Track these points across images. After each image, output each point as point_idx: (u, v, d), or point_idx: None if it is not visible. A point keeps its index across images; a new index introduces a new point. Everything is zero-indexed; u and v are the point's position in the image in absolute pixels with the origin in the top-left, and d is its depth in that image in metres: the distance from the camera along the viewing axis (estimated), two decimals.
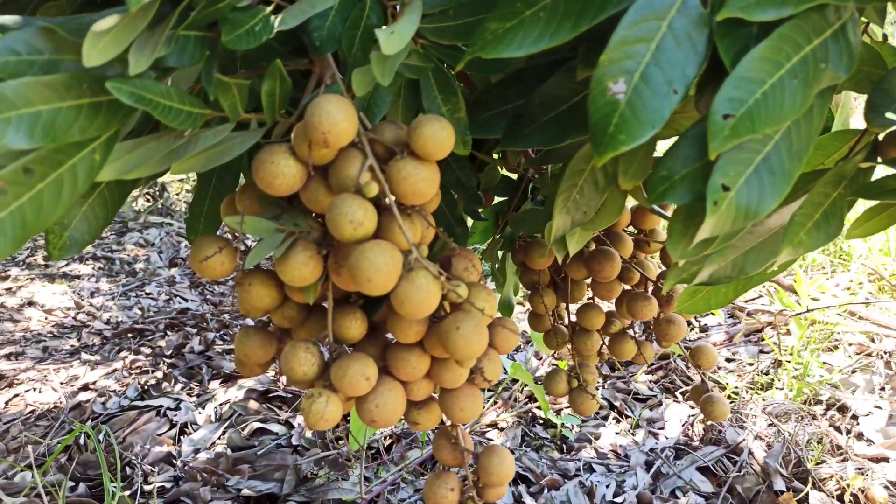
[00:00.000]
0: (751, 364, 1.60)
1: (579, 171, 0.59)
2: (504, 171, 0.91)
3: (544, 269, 0.83)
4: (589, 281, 0.83)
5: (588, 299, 0.83)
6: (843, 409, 1.37)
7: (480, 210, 0.97)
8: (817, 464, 1.18)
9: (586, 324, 0.78)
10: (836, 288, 1.85)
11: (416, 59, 0.56)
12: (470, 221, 0.93)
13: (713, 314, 1.82)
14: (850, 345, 1.62)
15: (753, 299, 1.87)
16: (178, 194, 3.95)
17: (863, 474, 1.14)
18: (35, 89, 0.38)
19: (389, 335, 0.62)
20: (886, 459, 1.20)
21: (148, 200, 3.80)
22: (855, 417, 1.35)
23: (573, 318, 0.82)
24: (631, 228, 0.82)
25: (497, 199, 0.99)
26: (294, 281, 0.50)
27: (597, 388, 1.59)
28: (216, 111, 0.46)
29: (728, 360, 1.63)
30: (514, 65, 0.64)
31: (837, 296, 1.80)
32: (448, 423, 0.61)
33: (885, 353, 1.56)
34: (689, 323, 1.86)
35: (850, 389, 1.44)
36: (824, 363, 1.52)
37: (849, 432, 1.30)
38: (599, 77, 0.41)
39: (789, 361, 1.50)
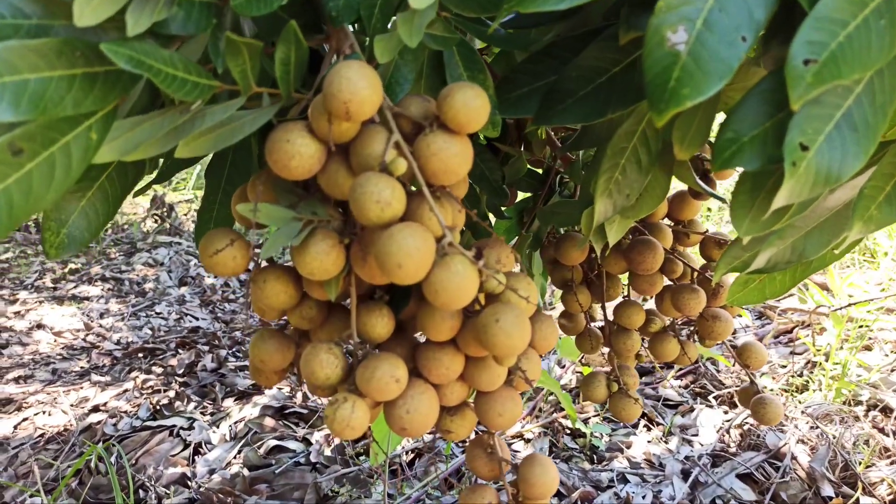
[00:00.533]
0: (783, 366, 1.54)
1: (621, 149, 0.54)
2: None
3: (577, 266, 0.77)
4: (625, 278, 0.78)
5: (623, 297, 0.78)
6: (886, 410, 1.31)
7: (503, 208, 0.92)
8: (867, 467, 1.12)
9: (625, 322, 0.72)
10: (868, 285, 1.79)
11: (441, 28, 0.51)
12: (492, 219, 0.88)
13: (740, 315, 1.76)
14: (886, 343, 1.56)
15: (785, 297, 1.80)
16: (185, 214, 3.93)
17: None
18: (21, 54, 0.33)
19: (418, 335, 0.57)
20: None
21: (156, 221, 3.78)
22: None
23: (609, 318, 0.77)
24: (666, 221, 0.77)
25: (519, 197, 0.95)
26: (314, 273, 0.45)
27: None
28: (225, 85, 0.41)
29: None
30: (542, 41, 0.60)
31: (869, 292, 1.74)
32: (482, 431, 0.55)
33: None
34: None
35: (892, 388, 1.38)
36: (862, 362, 1.46)
37: (894, 433, 1.23)
38: (656, 27, 0.37)
39: (826, 360, 1.43)
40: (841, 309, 1.49)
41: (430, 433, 1.43)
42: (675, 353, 0.74)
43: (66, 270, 2.84)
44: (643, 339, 0.77)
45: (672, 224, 0.76)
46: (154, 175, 0.86)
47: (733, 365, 1.56)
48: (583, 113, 0.52)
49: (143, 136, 0.39)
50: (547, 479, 0.55)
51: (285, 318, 0.56)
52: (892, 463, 1.13)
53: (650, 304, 0.77)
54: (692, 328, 0.77)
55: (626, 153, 0.54)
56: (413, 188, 0.45)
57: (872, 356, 1.55)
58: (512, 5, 0.40)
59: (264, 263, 0.52)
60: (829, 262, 0.59)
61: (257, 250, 0.49)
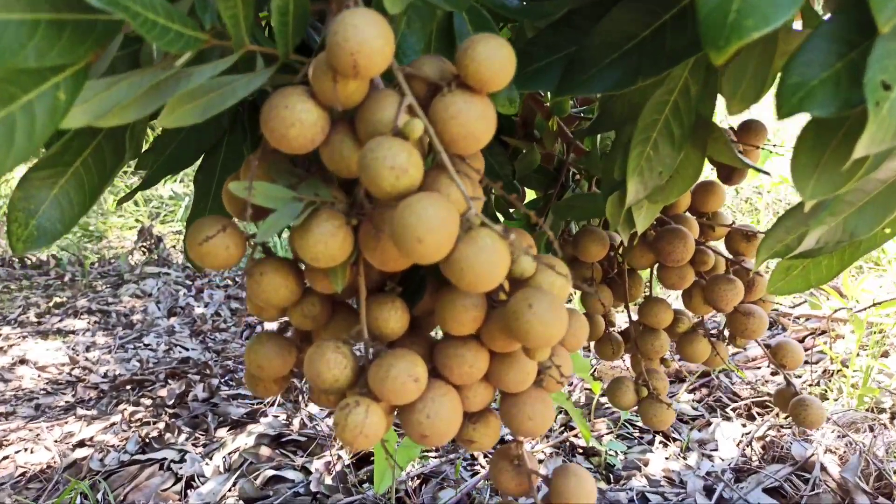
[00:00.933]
0: (798, 376, 1.48)
1: (652, 122, 0.49)
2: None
3: (597, 264, 0.72)
4: (646, 276, 0.73)
5: (645, 296, 0.73)
6: None
7: (511, 210, 0.87)
8: None
9: (652, 321, 0.67)
10: (881, 290, 1.74)
11: None
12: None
13: None
14: None
15: (798, 304, 1.75)
16: (174, 246, 3.86)
17: None
18: None
19: (434, 334, 0.51)
20: None
21: (144, 253, 3.71)
22: None
23: (634, 318, 0.71)
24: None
25: (528, 199, 0.90)
26: (319, 259, 0.39)
27: (635, 412, 1.46)
28: (214, 40, 0.36)
29: (774, 374, 1.51)
30: (556, 13, 0.55)
31: (880, 298, 1.69)
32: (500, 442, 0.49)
33: None
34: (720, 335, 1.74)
35: None
36: (884, 367, 1.40)
37: None
38: None
39: (846, 366, 1.38)
40: (862, 311, 1.44)
41: (442, 451, 1.35)
42: (706, 354, 0.69)
43: (51, 304, 2.76)
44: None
45: (695, 217, 0.71)
46: (140, 182, 0.80)
47: (750, 376, 1.51)
48: (610, 81, 0.47)
49: (119, 97, 0.34)
50: (583, 491, 0.49)
51: (284, 319, 0.51)
52: None
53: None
54: (720, 328, 0.72)
55: (657, 126, 0.50)
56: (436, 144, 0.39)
57: (890, 362, 1.50)
58: None
59: (261, 256, 0.46)
60: (879, 243, 0.54)
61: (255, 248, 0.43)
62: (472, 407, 0.46)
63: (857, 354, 1.43)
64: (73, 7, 0.32)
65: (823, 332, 1.57)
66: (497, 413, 0.50)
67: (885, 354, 1.53)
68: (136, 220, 4.17)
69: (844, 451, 1.14)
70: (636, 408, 0.70)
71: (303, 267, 0.46)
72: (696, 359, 0.69)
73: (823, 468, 1.10)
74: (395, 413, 0.44)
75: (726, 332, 0.71)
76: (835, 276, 0.55)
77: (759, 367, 1.56)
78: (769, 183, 2.63)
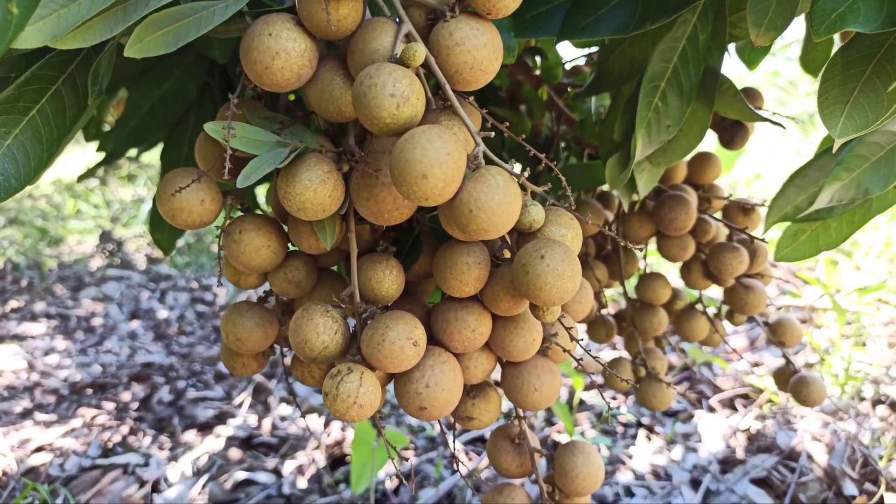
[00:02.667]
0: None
1: (661, 70, 0.46)
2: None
3: (591, 239, 0.69)
4: (642, 254, 0.70)
5: (642, 273, 0.70)
6: (893, 406, 1.25)
7: None
8: (889, 461, 1.04)
9: (651, 296, 0.64)
10: (859, 282, 1.74)
11: None
12: None
13: None
14: (880, 338, 1.51)
15: (779, 295, 1.74)
16: (136, 250, 3.75)
17: None
18: None
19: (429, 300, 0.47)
20: None
21: (104, 257, 3.59)
22: None
23: (631, 296, 0.68)
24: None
25: None
26: (307, 208, 0.35)
27: (617, 406, 1.44)
28: None
29: (755, 365, 1.50)
30: None
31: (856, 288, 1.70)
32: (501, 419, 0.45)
33: None
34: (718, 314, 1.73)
35: (894, 382, 1.32)
36: (864, 353, 1.40)
37: None
38: None
39: (829, 354, 1.37)
40: (843, 297, 1.44)
41: (420, 449, 1.31)
42: (705, 332, 0.66)
43: (7, 309, 2.64)
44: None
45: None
46: (103, 156, 0.75)
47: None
48: (617, 24, 0.44)
49: (80, 14, 0.29)
50: (591, 470, 0.46)
51: (264, 291, 0.46)
52: None
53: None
54: (719, 306, 0.69)
55: (665, 75, 0.46)
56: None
57: (869, 351, 1.50)
58: None
59: (239, 214, 0.42)
60: (890, 204, 0.52)
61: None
62: (472, 378, 0.42)
63: (837, 343, 1.42)
64: None
65: (804, 322, 1.57)
66: (496, 388, 0.46)
67: (863, 344, 1.53)
68: (97, 225, 4.04)
69: (830, 440, 1.13)
70: (618, 402, 0.67)
71: (286, 229, 0.42)
72: (694, 337, 0.66)
73: (810, 456, 1.09)
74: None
75: (723, 310, 0.68)
76: (844, 240, 0.53)
77: (740, 359, 1.55)
78: (744, 181, 2.64)
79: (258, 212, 0.42)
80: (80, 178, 0.69)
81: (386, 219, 0.37)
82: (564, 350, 0.43)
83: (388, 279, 0.39)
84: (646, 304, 0.65)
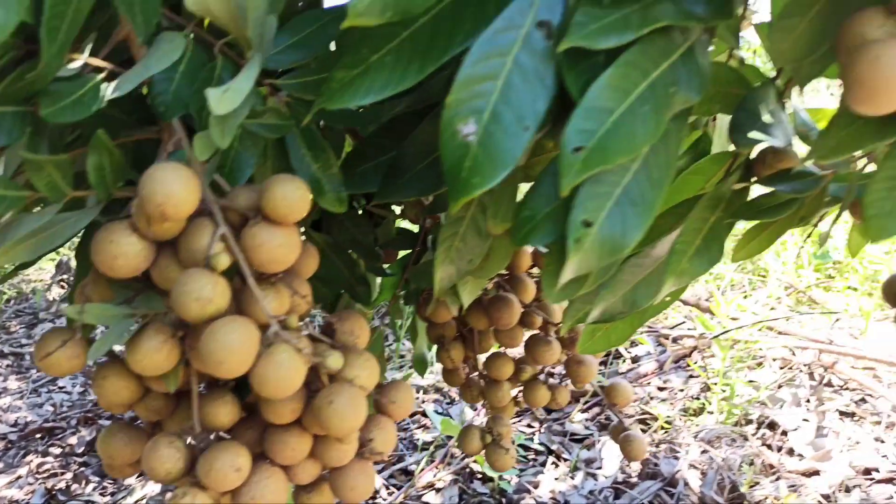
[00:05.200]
0: (682, 390, 1.60)
1: (459, 218, 0.57)
2: (406, 225, 0.88)
3: (450, 322, 0.80)
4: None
5: (500, 348, 0.81)
6: (772, 426, 1.38)
7: (387, 265, 0.94)
8: (751, 486, 1.17)
9: (495, 374, 0.75)
10: (756, 305, 1.89)
11: (274, 117, 0.52)
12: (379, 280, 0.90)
13: (640, 343, 1.83)
14: (774, 360, 1.65)
15: (678, 325, 1.89)
16: None
17: (795, 491, 1.14)
18: None
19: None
20: (817, 472, 1.21)
21: (63, 287, 3.62)
22: (785, 433, 1.36)
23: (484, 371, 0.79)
24: (536, 270, 0.81)
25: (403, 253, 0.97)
26: (146, 370, 0.45)
27: (533, 434, 1.55)
28: (37, 193, 0.42)
29: (660, 389, 1.63)
30: (389, 114, 0.62)
31: (757, 313, 1.84)
32: None
33: (806, 365, 1.59)
34: (619, 355, 1.86)
35: (778, 405, 1.46)
36: (750, 381, 1.54)
37: (780, 449, 1.30)
38: (449, 119, 0.39)
39: (716, 384, 1.51)
40: (720, 335, 1.58)
41: None
42: (546, 399, 0.77)
43: None
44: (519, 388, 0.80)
45: (538, 274, 0.80)
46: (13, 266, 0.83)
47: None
48: (419, 187, 0.55)
49: None
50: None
51: None
52: (776, 479, 1.19)
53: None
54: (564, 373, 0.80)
55: (465, 221, 0.57)
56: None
57: (763, 373, 1.64)
58: (320, 102, 0.43)
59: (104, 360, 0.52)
60: (663, 308, 0.64)
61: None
62: (302, 480, 0.52)
63: (731, 369, 1.56)
64: None
65: (698, 350, 1.70)
66: (328, 481, 0.56)
67: (760, 365, 1.67)
68: (56, 252, 4.05)
69: (706, 466, 1.26)
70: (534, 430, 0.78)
71: None
72: (537, 403, 0.77)
73: (686, 483, 1.21)
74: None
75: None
76: (629, 337, 0.64)
77: (648, 384, 1.68)
78: None
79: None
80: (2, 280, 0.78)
81: (214, 374, 0.47)
82: (376, 454, 0.53)
83: (223, 412, 0.49)
84: (492, 380, 0.76)
